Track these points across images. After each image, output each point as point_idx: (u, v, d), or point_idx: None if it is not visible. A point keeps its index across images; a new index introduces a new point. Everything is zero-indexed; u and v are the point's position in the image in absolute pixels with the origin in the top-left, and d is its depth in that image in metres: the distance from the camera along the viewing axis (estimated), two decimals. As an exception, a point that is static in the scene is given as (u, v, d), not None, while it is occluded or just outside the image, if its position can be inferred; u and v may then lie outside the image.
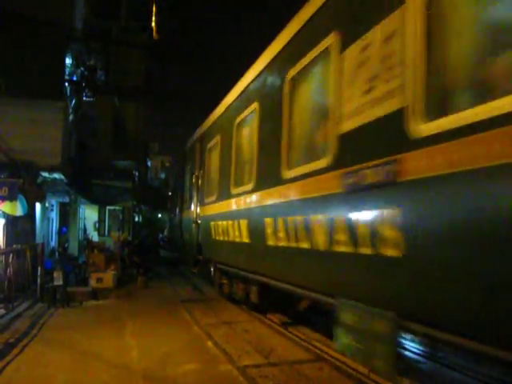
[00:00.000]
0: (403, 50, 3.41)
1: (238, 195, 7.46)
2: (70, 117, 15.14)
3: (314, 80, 5.37)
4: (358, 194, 3.88)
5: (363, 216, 3.83)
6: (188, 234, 12.72)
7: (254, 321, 8.15)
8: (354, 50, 4.13)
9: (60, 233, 18.09)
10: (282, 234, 5.52)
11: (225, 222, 8.26)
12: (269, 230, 5.95)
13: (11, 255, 9.78)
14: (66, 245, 16.78)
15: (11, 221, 11.79)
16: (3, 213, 11.59)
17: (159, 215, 39.57)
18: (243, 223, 7.13)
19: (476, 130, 2.67)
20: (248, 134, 7.57)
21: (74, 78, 16.82)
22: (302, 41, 5.38)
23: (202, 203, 10.72)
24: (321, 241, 4.52)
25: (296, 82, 5.56)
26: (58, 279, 10.08)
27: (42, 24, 12.79)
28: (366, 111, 3.87)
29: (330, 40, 4.53)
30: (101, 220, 20.78)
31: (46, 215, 15.41)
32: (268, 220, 5.99)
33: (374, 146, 3.76)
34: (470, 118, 2.74)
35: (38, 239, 13.00)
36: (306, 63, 5.14)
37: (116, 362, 5.72)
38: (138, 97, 21.91)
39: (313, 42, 4.91)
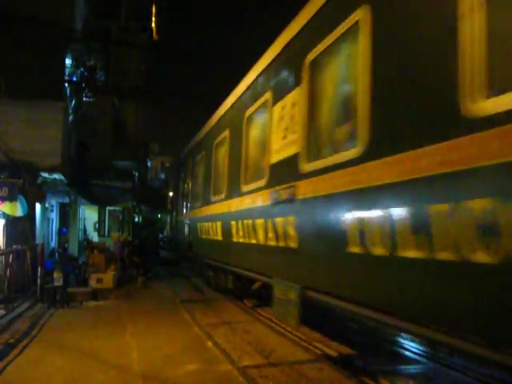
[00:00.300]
0: (299, 114, 5.38)
1: (216, 202, 9.49)
2: (70, 117, 15.14)
3: (259, 121, 7.36)
4: (278, 206, 5.84)
5: (280, 221, 5.74)
6: (182, 234, 14.69)
7: (254, 321, 8.15)
8: (278, 106, 6.09)
9: (60, 233, 18.09)
10: (241, 233, 7.48)
11: (207, 224, 10.31)
12: (233, 230, 7.92)
13: (11, 256, 9.77)
14: (66, 245, 16.78)
15: (11, 221, 11.79)
16: (3, 213, 11.59)
17: (159, 215, 39.57)
18: (219, 224, 9.10)
19: (326, 171, 4.60)
20: (222, 154, 9.61)
21: (74, 79, 16.83)
22: (252, 92, 7.61)
23: (191, 207, 13.02)
24: (261, 237, 6.46)
25: (249, 120, 7.68)
26: (58, 280, 10.08)
27: (42, 24, 12.79)
28: (282, 151, 5.80)
29: (267, 96, 6.60)
30: (101, 220, 20.77)
31: (45, 216, 15.41)
32: (233, 222, 7.96)
33: (285, 175, 5.64)
34: (327, 162, 4.65)
35: (38, 240, 13.00)
36: (255, 108, 7.29)
37: (116, 362, 5.71)
38: (137, 97, 21.94)
39: (259, 95, 7.08)
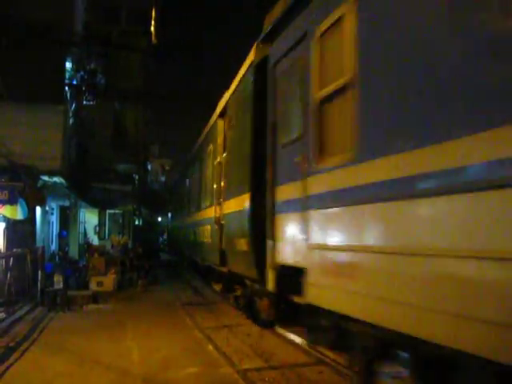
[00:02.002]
0: (218, 176, 8.92)
1: (192, 213, 13.47)
2: (70, 120, 15.16)
3: (205, 166, 11.16)
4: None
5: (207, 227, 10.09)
6: (175, 237, 21.61)
7: (254, 324, 8.14)
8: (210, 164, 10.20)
9: (60, 236, 18.06)
10: (191, 237, 12.92)
11: (185, 230, 15.63)
12: (195, 232, 12.25)
13: (11, 259, 9.78)
14: (67, 248, 16.78)
15: (11, 225, 11.79)
16: (3, 216, 11.60)
17: (159, 218, 39.53)
18: (191, 230, 13.38)
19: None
20: (195, 176, 13.32)
21: (74, 82, 16.84)
22: (203, 144, 11.94)
23: (182, 215, 17.34)
24: (206, 237, 10.09)
25: (201, 162, 12.08)
26: (59, 283, 10.09)
27: (43, 28, 12.81)
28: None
29: (210, 148, 10.37)
30: (101, 224, 20.74)
31: (46, 219, 15.40)
32: (196, 228, 12.15)
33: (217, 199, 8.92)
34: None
35: (39, 243, 12.99)
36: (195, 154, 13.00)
37: (116, 366, 5.72)
38: (138, 100, 21.95)
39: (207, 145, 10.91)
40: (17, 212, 11.43)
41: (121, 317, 9.00)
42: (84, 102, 17.67)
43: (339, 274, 3.71)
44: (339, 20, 3.83)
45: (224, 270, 8.33)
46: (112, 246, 15.66)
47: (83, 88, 17.16)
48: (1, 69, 12.36)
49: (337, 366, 5.46)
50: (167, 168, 50.31)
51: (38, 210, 13.28)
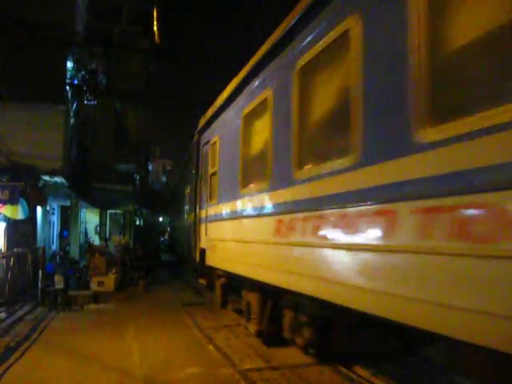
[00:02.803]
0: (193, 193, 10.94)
1: (184, 219, 15.54)
2: (71, 120, 15.17)
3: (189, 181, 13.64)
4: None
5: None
6: (173, 237, 26.16)
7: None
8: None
9: (61, 236, 18.08)
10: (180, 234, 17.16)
11: (178, 230, 19.28)
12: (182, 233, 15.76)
13: (12, 259, 9.78)
14: (67, 248, 16.79)
15: (12, 224, 11.80)
16: (4, 216, 11.60)
17: (160, 219, 39.55)
18: (179, 232, 17.68)
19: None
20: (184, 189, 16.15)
21: (75, 82, 16.85)
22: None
23: (179, 217, 19.56)
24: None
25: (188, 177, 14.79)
26: (59, 283, 10.08)
27: (44, 28, 12.82)
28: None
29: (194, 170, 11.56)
30: (102, 224, 20.74)
31: (47, 219, 15.40)
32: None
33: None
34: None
35: (39, 243, 13.00)
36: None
37: (117, 366, 5.71)
38: (139, 100, 21.95)
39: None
40: (17, 212, 11.44)
41: (121, 317, 9.00)
42: (85, 102, 17.69)
43: (215, 251, 7.73)
44: (214, 144, 8.26)
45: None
46: (115, 247, 15.67)
47: (84, 88, 17.18)
48: (2, 69, 12.37)
49: (337, 367, 5.46)
50: (168, 168, 50.38)
51: (39, 209, 13.29)
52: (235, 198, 6.52)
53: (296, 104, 4.56)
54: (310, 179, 4.18)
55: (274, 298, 5.92)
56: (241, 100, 6.60)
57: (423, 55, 2.75)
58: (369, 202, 3.20)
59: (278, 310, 5.88)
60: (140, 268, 14.68)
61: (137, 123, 22.90)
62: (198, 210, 9.61)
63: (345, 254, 3.51)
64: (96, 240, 18.40)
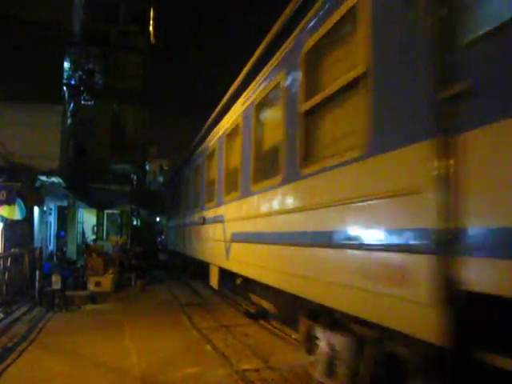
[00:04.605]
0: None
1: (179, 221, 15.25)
2: (69, 120, 15.15)
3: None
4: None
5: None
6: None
7: (252, 324, 8.15)
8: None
9: (58, 237, 18.05)
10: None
11: (175, 230, 16.75)
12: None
13: (9, 259, 9.76)
14: (65, 249, 16.75)
15: (9, 225, 11.78)
16: (1, 217, 11.57)
17: (157, 219, 39.47)
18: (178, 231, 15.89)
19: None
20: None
21: (73, 82, 16.83)
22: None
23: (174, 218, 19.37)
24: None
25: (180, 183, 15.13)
26: (57, 283, 10.06)
27: (41, 28, 12.80)
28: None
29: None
30: (99, 224, 20.72)
31: (44, 219, 15.38)
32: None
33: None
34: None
35: (37, 243, 12.98)
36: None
37: (114, 366, 5.71)
38: (136, 100, 21.94)
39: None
40: (15, 212, 11.42)
41: (119, 317, 8.98)
42: (82, 102, 17.66)
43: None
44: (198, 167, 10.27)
45: None
46: (114, 247, 15.64)
47: (81, 88, 17.15)
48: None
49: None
50: (166, 168, 50.30)
51: (36, 210, 13.27)
52: None
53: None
54: None
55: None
56: None
57: None
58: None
59: None
60: (137, 268, 14.67)
61: (134, 123, 22.88)
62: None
63: None
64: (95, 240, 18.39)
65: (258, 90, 5.68)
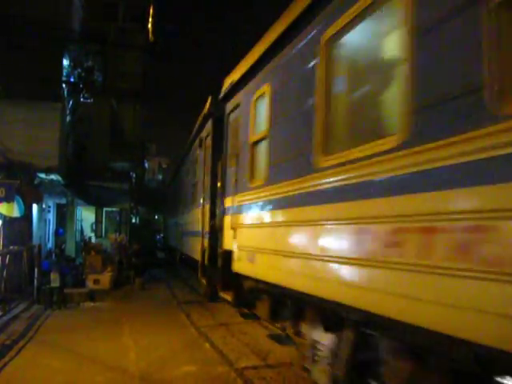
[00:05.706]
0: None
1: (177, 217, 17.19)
2: (67, 118, 15.12)
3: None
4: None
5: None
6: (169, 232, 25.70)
7: (251, 322, 8.14)
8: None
9: (57, 234, 18.03)
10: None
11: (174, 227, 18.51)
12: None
13: (8, 256, 9.74)
14: (63, 246, 16.74)
15: (8, 222, 11.74)
16: (0, 214, 11.55)
17: (156, 216, 39.49)
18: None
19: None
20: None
21: (72, 79, 16.80)
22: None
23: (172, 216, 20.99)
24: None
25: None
26: (55, 281, 10.06)
27: (40, 25, 12.77)
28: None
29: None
30: (98, 221, 20.69)
31: (42, 216, 15.36)
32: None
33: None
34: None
35: (35, 240, 12.96)
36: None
37: (113, 364, 5.71)
38: (135, 98, 21.89)
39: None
40: (13, 209, 11.38)
41: (117, 315, 8.98)
42: (81, 100, 17.62)
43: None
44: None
45: None
46: (112, 245, 15.63)
47: (80, 85, 17.12)
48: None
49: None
50: (164, 166, 50.23)
51: (35, 207, 13.26)
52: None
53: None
54: None
55: None
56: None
57: None
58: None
59: None
60: (136, 266, 14.66)
61: (133, 121, 22.83)
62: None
63: None
64: (92, 238, 18.37)
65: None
